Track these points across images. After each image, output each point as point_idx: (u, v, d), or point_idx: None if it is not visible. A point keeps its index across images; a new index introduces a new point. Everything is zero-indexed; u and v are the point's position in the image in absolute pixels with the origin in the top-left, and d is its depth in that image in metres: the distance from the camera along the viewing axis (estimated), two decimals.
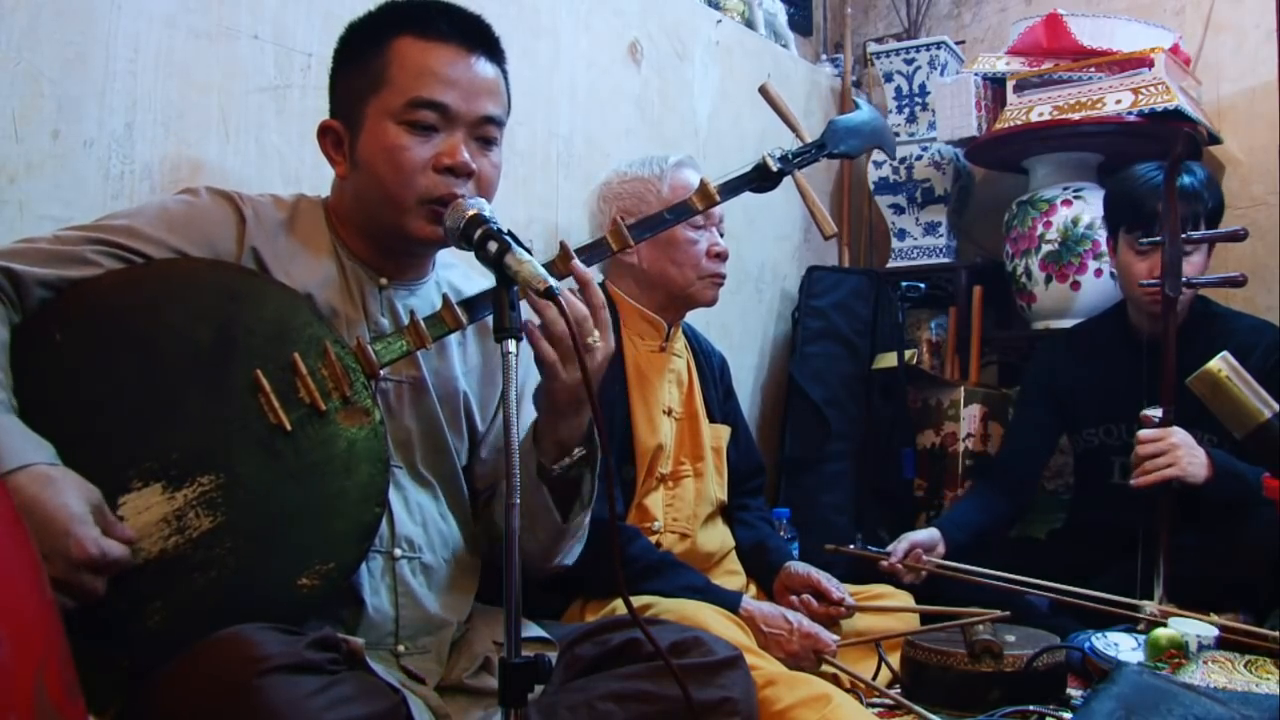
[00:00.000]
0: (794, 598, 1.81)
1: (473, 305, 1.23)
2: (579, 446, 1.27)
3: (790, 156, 1.41)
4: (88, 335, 1.08)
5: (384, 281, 1.28)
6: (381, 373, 1.19)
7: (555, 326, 1.17)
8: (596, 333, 1.17)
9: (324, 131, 1.26)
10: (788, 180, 1.45)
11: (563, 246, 1.27)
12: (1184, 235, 1.86)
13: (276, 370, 1.11)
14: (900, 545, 2.02)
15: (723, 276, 1.88)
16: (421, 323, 1.19)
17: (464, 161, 1.21)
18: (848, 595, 1.82)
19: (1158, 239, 1.93)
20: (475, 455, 1.38)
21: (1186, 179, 2.04)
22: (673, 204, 1.75)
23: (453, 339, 1.30)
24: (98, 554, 0.95)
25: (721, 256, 1.86)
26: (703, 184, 1.36)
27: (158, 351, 1.09)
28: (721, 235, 1.89)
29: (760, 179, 1.40)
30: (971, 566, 1.95)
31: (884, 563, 1.99)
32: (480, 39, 1.26)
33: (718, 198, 1.37)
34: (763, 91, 1.51)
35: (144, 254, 1.13)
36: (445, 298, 1.23)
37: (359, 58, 1.24)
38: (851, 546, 1.99)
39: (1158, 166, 2.08)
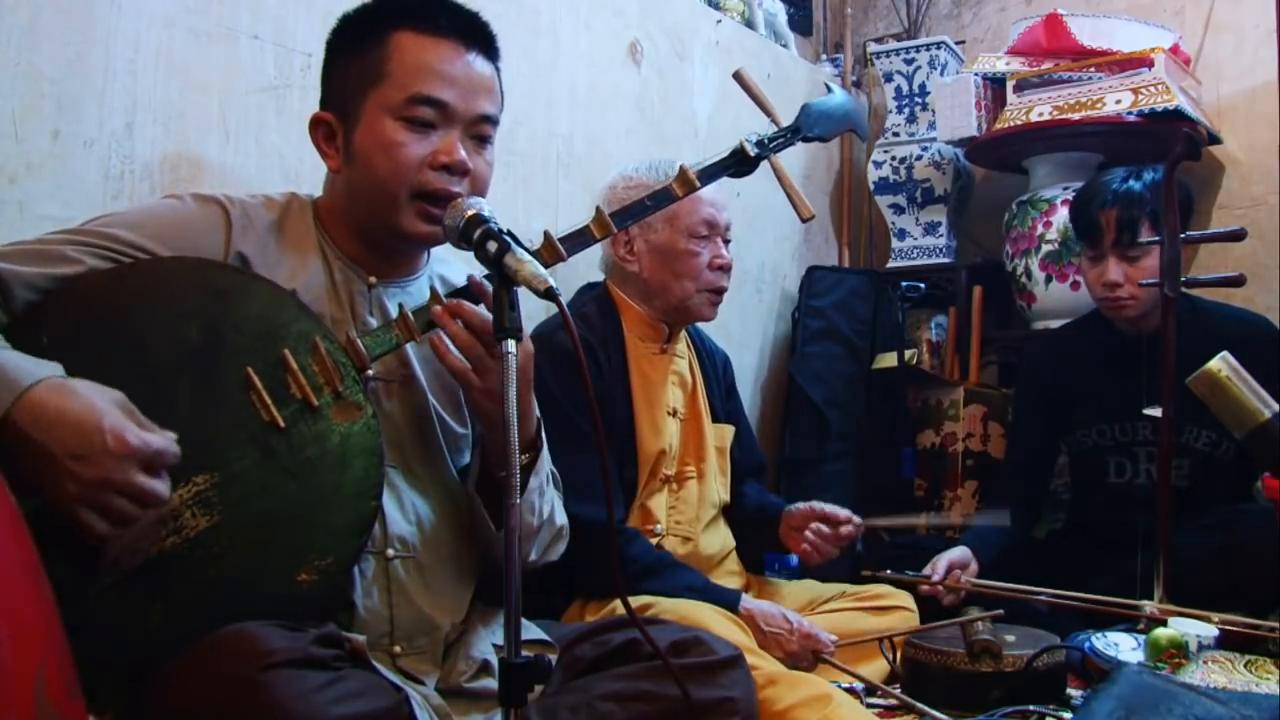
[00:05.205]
0: (807, 534, 1.82)
1: (462, 297, 1.23)
2: (524, 454, 1.25)
3: (767, 141, 1.42)
4: (75, 337, 1.07)
5: (373, 280, 1.26)
6: (371, 370, 1.19)
7: (459, 338, 1.17)
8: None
9: (316, 124, 1.25)
10: None
11: (546, 236, 1.27)
12: (1183, 235, 1.86)
13: (267, 367, 1.11)
14: (939, 565, 1.98)
15: (723, 290, 1.87)
16: (411, 315, 1.19)
17: (461, 160, 1.21)
18: (853, 515, 1.84)
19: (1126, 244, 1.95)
20: None
21: (1134, 184, 2.04)
22: (678, 212, 1.76)
23: None
24: (139, 444, 0.93)
25: (724, 268, 1.85)
26: (682, 170, 1.36)
27: (146, 352, 1.08)
28: (727, 243, 1.88)
29: (738, 164, 1.41)
30: (1010, 585, 1.92)
31: (924, 586, 1.95)
32: (478, 36, 1.25)
33: (697, 183, 1.37)
34: (736, 77, 1.52)
35: (129, 258, 1.12)
36: (433, 290, 1.23)
37: (356, 50, 1.22)
38: (888, 572, 1.97)
39: (1111, 176, 2.09)
